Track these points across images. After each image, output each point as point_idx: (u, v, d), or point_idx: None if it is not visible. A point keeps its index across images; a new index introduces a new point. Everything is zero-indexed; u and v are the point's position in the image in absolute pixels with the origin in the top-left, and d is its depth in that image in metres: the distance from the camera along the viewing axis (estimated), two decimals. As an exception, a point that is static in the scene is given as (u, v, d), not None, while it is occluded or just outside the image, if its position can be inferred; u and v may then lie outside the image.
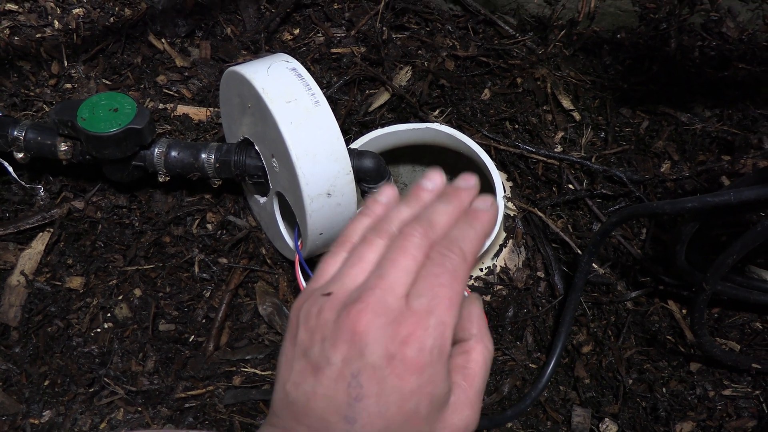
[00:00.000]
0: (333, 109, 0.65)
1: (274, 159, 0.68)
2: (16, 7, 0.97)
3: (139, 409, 0.70)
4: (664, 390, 0.73)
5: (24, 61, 0.92)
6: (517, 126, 0.92)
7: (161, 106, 0.90)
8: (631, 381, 0.73)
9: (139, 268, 0.78)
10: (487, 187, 0.84)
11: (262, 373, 0.73)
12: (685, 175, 0.86)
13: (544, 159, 0.88)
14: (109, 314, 0.76)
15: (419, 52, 0.99)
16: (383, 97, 0.94)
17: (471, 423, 0.43)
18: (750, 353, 0.75)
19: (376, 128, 0.86)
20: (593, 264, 0.79)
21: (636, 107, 0.94)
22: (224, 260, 0.80)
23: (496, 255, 0.80)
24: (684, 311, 0.78)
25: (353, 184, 0.67)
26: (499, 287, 0.79)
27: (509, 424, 0.71)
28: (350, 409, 0.38)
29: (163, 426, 0.69)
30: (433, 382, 0.40)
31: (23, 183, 0.81)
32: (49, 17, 0.96)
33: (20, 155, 0.77)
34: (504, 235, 0.81)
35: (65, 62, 0.93)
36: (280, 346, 0.44)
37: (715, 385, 0.73)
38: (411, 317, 0.39)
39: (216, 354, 0.74)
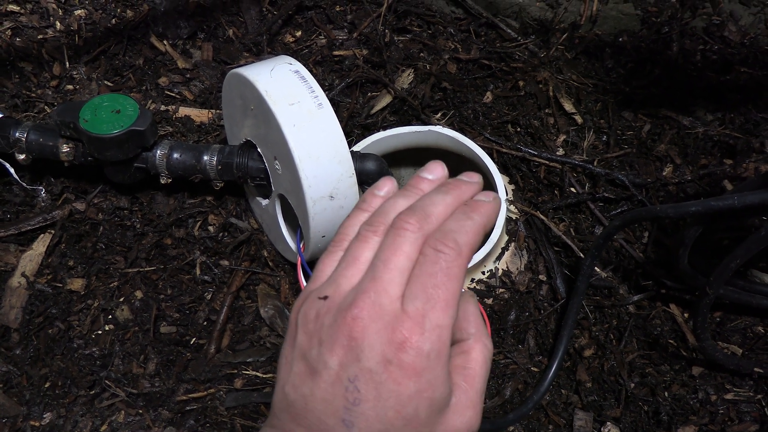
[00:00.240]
0: (335, 112, 0.65)
1: (276, 161, 0.68)
2: (18, 8, 0.97)
3: (140, 411, 0.70)
4: (666, 394, 0.72)
5: (25, 62, 0.92)
6: (519, 129, 0.92)
7: (163, 107, 0.90)
8: (633, 385, 0.73)
9: (141, 270, 0.78)
10: (489, 189, 0.84)
11: (264, 376, 0.73)
12: (687, 179, 0.86)
13: (546, 162, 0.88)
14: (110, 316, 0.76)
15: (421, 54, 0.99)
16: (385, 100, 0.94)
17: (473, 424, 0.43)
18: (752, 357, 0.75)
19: (379, 131, 0.85)
20: (595, 267, 0.79)
21: (638, 110, 0.94)
22: (226, 262, 0.80)
23: (498, 258, 0.80)
24: (686, 315, 0.78)
25: (356, 187, 0.67)
26: (501, 290, 0.79)
27: (511, 428, 0.71)
28: (348, 413, 0.38)
29: (164, 429, 0.69)
30: (432, 386, 0.39)
31: (24, 184, 0.81)
32: (51, 18, 0.96)
33: (22, 156, 0.76)
34: (506, 238, 0.81)
35: (67, 63, 0.93)
36: (281, 348, 0.44)
37: (717, 389, 0.73)
38: (407, 321, 0.39)
39: (217, 356, 0.74)
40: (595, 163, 0.87)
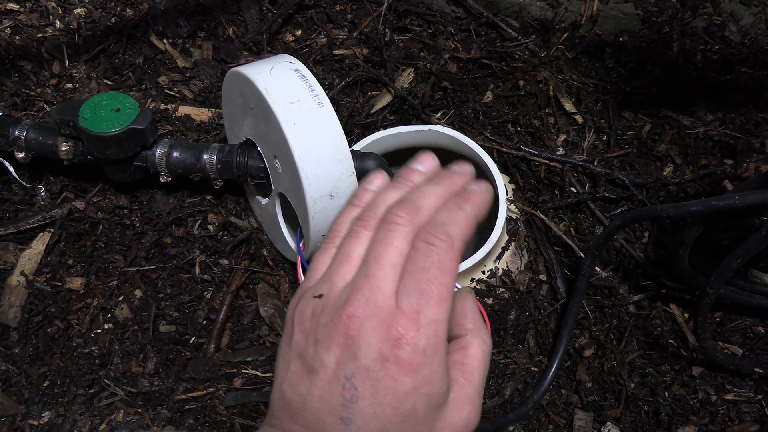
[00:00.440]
0: (335, 111, 0.65)
1: (276, 160, 0.68)
2: (18, 6, 0.97)
3: (139, 410, 0.70)
4: (666, 394, 0.72)
5: (25, 61, 0.92)
6: (519, 128, 0.92)
7: (163, 106, 0.90)
8: (633, 385, 0.73)
9: (140, 268, 0.78)
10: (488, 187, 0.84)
11: (263, 375, 0.72)
12: (688, 179, 0.86)
13: (547, 162, 0.87)
14: (109, 315, 0.75)
15: (421, 54, 0.99)
16: (385, 99, 0.93)
17: (472, 420, 0.42)
18: (752, 357, 0.75)
19: (379, 130, 0.85)
20: (596, 267, 0.79)
21: (638, 110, 0.94)
22: (225, 261, 0.80)
23: (499, 258, 0.80)
24: (686, 315, 0.78)
25: (356, 186, 0.67)
26: (501, 290, 0.79)
27: (511, 428, 0.71)
28: (345, 410, 0.39)
29: (163, 428, 0.69)
30: (429, 382, 0.39)
31: (24, 183, 0.81)
32: (51, 17, 0.96)
33: (21, 155, 0.76)
34: (506, 237, 0.81)
35: (66, 62, 0.93)
36: (279, 346, 0.44)
37: (718, 390, 0.73)
38: (402, 318, 0.39)
39: (217, 356, 0.74)
40: (596, 163, 0.87)
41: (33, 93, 0.89)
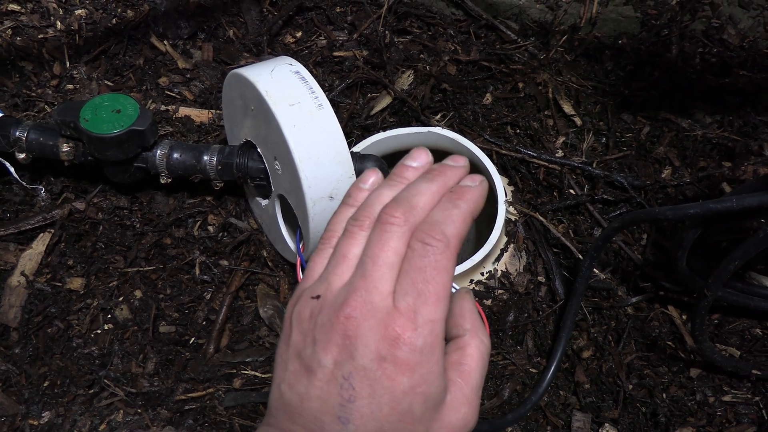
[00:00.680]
0: (335, 113, 0.65)
1: (276, 162, 0.68)
2: (19, 7, 0.97)
3: (139, 410, 0.70)
4: (664, 395, 0.73)
5: (26, 62, 0.92)
6: (518, 131, 0.92)
7: (163, 107, 0.90)
8: (631, 386, 0.73)
9: (140, 269, 0.78)
10: (489, 191, 0.84)
11: (263, 376, 0.73)
12: (686, 181, 0.86)
13: (546, 164, 0.88)
14: (109, 315, 0.76)
15: (421, 56, 0.99)
16: (385, 101, 0.94)
17: (469, 421, 0.42)
18: (750, 359, 0.75)
19: (378, 132, 0.86)
20: (594, 269, 0.79)
21: (637, 113, 0.94)
22: (225, 262, 0.80)
23: (497, 259, 0.80)
24: (684, 317, 0.78)
25: (355, 188, 0.67)
26: (499, 291, 0.79)
27: (509, 429, 0.71)
28: (343, 410, 0.39)
29: (163, 428, 0.69)
30: (426, 381, 0.39)
31: (24, 183, 0.81)
32: (52, 18, 0.96)
33: (22, 156, 0.76)
34: (505, 239, 0.81)
35: (67, 63, 0.93)
36: (277, 347, 0.44)
37: (715, 391, 0.73)
38: (399, 318, 0.39)
39: (216, 356, 0.74)
40: (594, 165, 0.87)
41: (34, 94, 0.90)
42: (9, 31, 0.94)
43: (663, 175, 0.88)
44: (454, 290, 0.68)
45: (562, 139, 0.91)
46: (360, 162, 0.72)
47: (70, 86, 0.91)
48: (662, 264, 0.80)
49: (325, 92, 0.66)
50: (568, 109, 0.94)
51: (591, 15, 1.01)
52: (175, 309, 0.77)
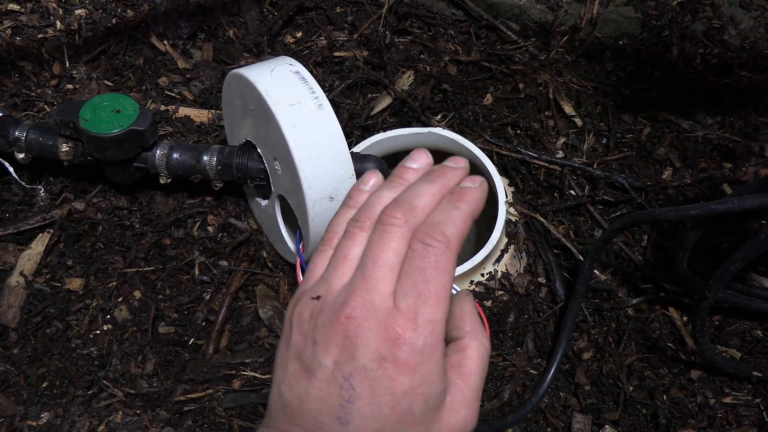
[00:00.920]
0: (335, 113, 0.65)
1: (276, 162, 0.68)
2: (18, 7, 0.97)
3: (138, 411, 0.70)
4: (664, 397, 0.72)
5: (25, 62, 0.92)
6: (519, 131, 0.92)
7: (163, 107, 0.90)
8: (631, 388, 0.73)
9: (139, 270, 0.78)
10: (489, 192, 0.84)
11: (262, 377, 0.72)
12: (687, 182, 0.86)
13: (546, 164, 0.88)
14: (108, 316, 0.75)
15: (422, 56, 0.99)
16: (385, 101, 0.94)
17: (469, 422, 0.42)
18: (751, 361, 0.75)
19: (379, 132, 0.85)
20: (594, 270, 0.79)
21: (638, 114, 0.94)
22: (225, 263, 0.80)
23: (498, 260, 0.80)
24: (685, 318, 0.78)
25: (356, 188, 0.67)
26: (500, 293, 0.79)
27: (509, 431, 0.71)
28: (343, 410, 0.39)
29: (162, 429, 0.69)
30: (426, 382, 0.39)
31: (24, 183, 0.81)
32: (51, 18, 0.96)
33: (21, 156, 0.76)
34: (505, 240, 0.81)
35: (67, 63, 0.93)
36: (277, 348, 0.44)
37: (716, 393, 0.73)
38: (399, 318, 0.39)
39: (216, 357, 0.74)
40: (595, 166, 0.87)
41: (33, 94, 0.89)
42: (8, 31, 0.94)
43: (664, 176, 0.88)
44: (454, 291, 0.68)
45: (562, 139, 0.91)
46: (360, 162, 0.72)
47: (70, 86, 0.91)
48: (663, 265, 0.79)
49: (325, 92, 0.66)
50: (568, 109, 0.93)
51: (592, 15, 1.01)
52: (174, 310, 0.76)
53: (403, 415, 0.39)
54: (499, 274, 0.80)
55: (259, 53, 0.97)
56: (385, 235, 0.42)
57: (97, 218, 0.81)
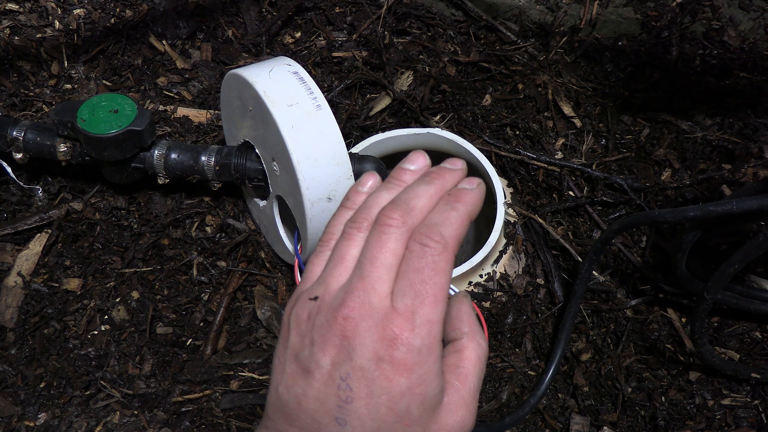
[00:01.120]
0: (334, 113, 0.65)
1: (274, 162, 0.68)
2: (17, 6, 0.96)
3: (136, 412, 0.70)
4: (663, 399, 0.72)
5: (24, 61, 0.92)
6: (518, 132, 0.92)
7: (161, 107, 0.90)
8: (630, 389, 0.73)
9: (137, 270, 0.78)
10: (487, 193, 0.84)
11: (260, 378, 0.72)
12: (686, 184, 0.86)
13: (545, 165, 0.87)
14: (106, 316, 0.75)
15: (421, 56, 0.99)
16: (384, 102, 0.93)
17: (466, 424, 0.42)
18: (749, 363, 0.75)
19: (377, 133, 0.85)
20: (593, 271, 0.79)
21: (637, 115, 0.94)
22: (223, 263, 0.79)
23: (496, 261, 0.80)
24: (684, 320, 0.78)
25: (354, 189, 0.67)
26: (498, 294, 0.79)
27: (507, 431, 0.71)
28: (340, 410, 0.39)
29: (160, 430, 0.69)
30: (424, 382, 0.39)
31: (21, 183, 0.81)
32: (50, 17, 0.96)
33: (19, 156, 0.76)
34: (504, 241, 0.81)
35: (65, 63, 0.93)
36: (275, 349, 0.45)
37: (715, 395, 0.73)
38: (397, 318, 0.39)
39: (213, 358, 0.74)
40: (594, 167, 0.87)
41: (31, 93, 0.89)
42: (7, 31, 0.94)
43: (663, 178, 0.87)
44: (452, 293, 0.68)
45: (561, 140, 0.91)
46: (358, 163, 0.72)
47: (68, 86, 0.91)
48: (662, 267, 0.79)
49: (323, 93, 0.66)
50: (567, 110, 0.93)
51: (591, 16, 1.01)
52: (172, 310, 0.76)
53: (401, 415, 0.39)
54: (498, 275, 0.80)
55: (258, 53, 0.97)
56: (382, 235, 0.42)
57: (95, 218, 0.81)
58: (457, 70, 0.98)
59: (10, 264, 0.77)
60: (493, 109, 0.93)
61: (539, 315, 0.78)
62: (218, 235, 0.81)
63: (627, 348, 0.76)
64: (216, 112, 0.90)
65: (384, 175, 0.73)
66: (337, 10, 1.03)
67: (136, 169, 0.76)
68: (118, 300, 0.76)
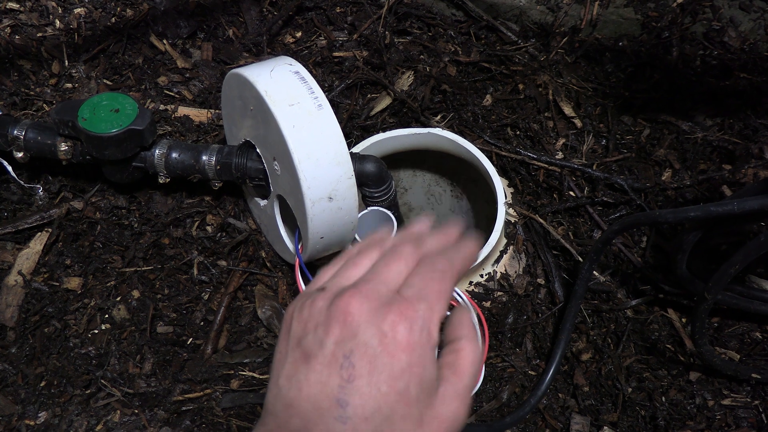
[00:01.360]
0: (335, 113, 0.65)
1: (275, 162, 0.68)
2: (18, 5, 0.96)
3: (136, 411, 0.70)
4: (663, 399, 0.72)
5: (24, 60, 0.92)
6: (518, 132, 0.92)
7: (162, 107, 0.90)
8: (630, 389, 0.73)
9: (138, 269, 0.78)
10: (488, 193, 0.84)
11: (260, 377, 0.72)
12: (686, 184, 0.86)
13: (546, 166, 0.87)
14: (106, 315, 0.75)
15: (421, 57, 0.99)
16: (385, 102, 0.93)
17: (460, 417, 0.44)
18: (749, 363, 0.75)
19: (378, 132, 0.85)
20: (594, 271, 0.79)
21: (637, 115, 0.94)
22: (223, 263, 0.79)
23: (497, 261, 0.80)
24: (684, 320, 0.78)
25: (355, 189, 0.67)
26: (499, 293, 0.79)
27: (508, 431, 0.71)
28: (342, 391, 0.40)
29: (160, 429, 0.69)
30: (421, 363, 0.41)
31: (22, 182, 0.81)
32: (51, 16, 0.96)
33: (20, 155, 0.76)
34: (505, 241, 0.81)
35: (66, 62, 0.93)
36: (275, 348, 0.45)
37: (715, 395, 0.73)
38: (402, 301, 0.42)
39: (214, 357, 0.74)
40: (595, 167, 0.87)
41: (32, 92, 0.89)
42: (8, 30, 0.94)
43: (663, 178, 0.88)
44: (458, 297, 0.69)
45: (562, 140, 0.91)
46: (359, 163, 0.72)
47: (69, 85, 0.91)
48: (662, 267, 0.79)
49: (324, 93, 0.66)
50: (568, 110, 0.93)
51: (591, 17, 1.01)
52: (172, 309, 0.76)
53: (400, 394, 0.40)
54: (498, 274, 0.80)
55: (259, 53, 0.97)
56: (398, 250, 0.46)
57: (95, 217, 0.81)
58: (457, 70, 0.98)
59: (11, 263, 0.77)
60: (494, 109, 0.93)
61: (540, 315, 0.78)
62: (219, 234, 0.81)
63: (627, 348, 0.76)
64: (217, 111, 0.90)
65: (385, 175, 0.73)
66: (337, 10, 1.03)
67: (137, 168, 0.76)
68: (118, 299, 0.76)
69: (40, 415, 0.69)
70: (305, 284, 0.71)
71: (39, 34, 0.94)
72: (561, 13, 1.01)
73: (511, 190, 0.87)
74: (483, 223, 0.98)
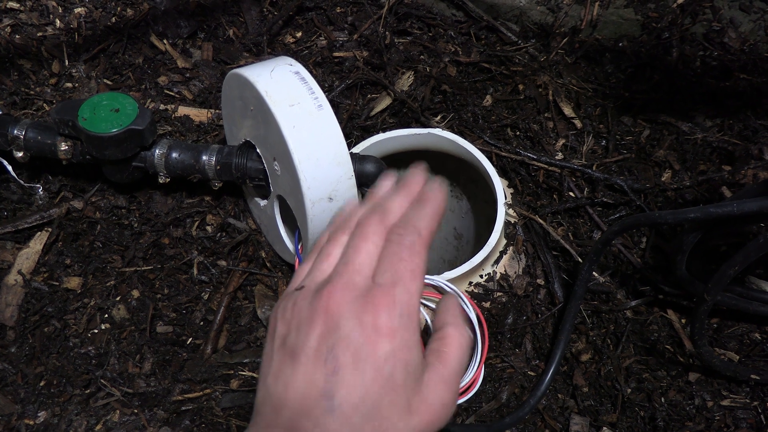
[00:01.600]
0: (335, 113, 0.65)
1: (275, 162, 0.68)
2: (18, 5, 0.96)
3: (136, 411, 0.70)
4: (662, 399, 0.72)
5: (25, 60, 0.92)
6: (518, 133, 0.92)
7: (162, 107, 0.90)
8: (629, 390, 0.73)
9: (138, 269, 0.78)
10: (488, 193, 0.84)
11: (260, 377, 0.72)
12: (686, 185, 0.86)
13: (545, 166, 0.88)
14: (106, 315, 0.75)
15: (421, 57, 0.99)
16: (385, 102, 0.94)
17: (447, 403, 0.45)
18: (749, 364, 0.75)
19: (378, 133, 0.85)
20: (593, 272, 0.79)
21: (637, 116, 0.94)
22: (223, 263, 0.79)
23: (496, 262, 0.80)
24: (683, 321, 0.78)
25: (355, 189, 0.67)
26: (498, 294, 0.79)
27: (507, 432, 0.71)
28: (328, 383, 0.40)
29: (160, 429, 0.69)
30: (405, 348, 0.42)
31: (22, 182, 0.81)
32: (51, 16, 0.96)
33: (20, 154, 0.76)
34: (504, 241, 0.81)
35: (66, 61, 0.93)
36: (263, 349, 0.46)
37: (714, 396, 0.73)
38: (378, 290, 0.43)
39: (214, 357, 0.74)
40: (594, 168, 0.87)
41: (32, 92, 0.89)
42: (8, 29, 0.94)
43: (663, 179, 0.88)
44: (449, 291, 0.68)
45: (562, 141, 0.91)
46: (359, 163, 0.72)
47: (69, 85, 0.91)
48: (662, 268, 0.79)
49: (324, 93, 0.66)
50: (568, 111, 0.94)
51: (592, 17, 1.01)
52: (172, 309, 0.76)
53: (386, 380, 0.41)
54: (498, 275, 0.80)
55: (259, 53, 0.97)
56: (364, 230, 0.47)
57: (95, 217, 0.81)
58: (457, 71, 0.98)
59: (11, 262, 0.77)
60: (494, 109, 0.94)
61: (539, 315, 0.78)
62: (219, 234, 0.81)
63: (627, 349, 0.76)
64: (217, 111, 0.90)
65: (386, 174, 0.73)
66: (338, 10, 1.03)
67: (137, 168, 0.76)
68: (118, 299, 0.76)
69: (39, 414, 0.69)
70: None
71: (39, 34, 0.94)
72: (561, 14, 1.01)
73: (511, 190, 0.87)
74: (483, 224, 0.99)
